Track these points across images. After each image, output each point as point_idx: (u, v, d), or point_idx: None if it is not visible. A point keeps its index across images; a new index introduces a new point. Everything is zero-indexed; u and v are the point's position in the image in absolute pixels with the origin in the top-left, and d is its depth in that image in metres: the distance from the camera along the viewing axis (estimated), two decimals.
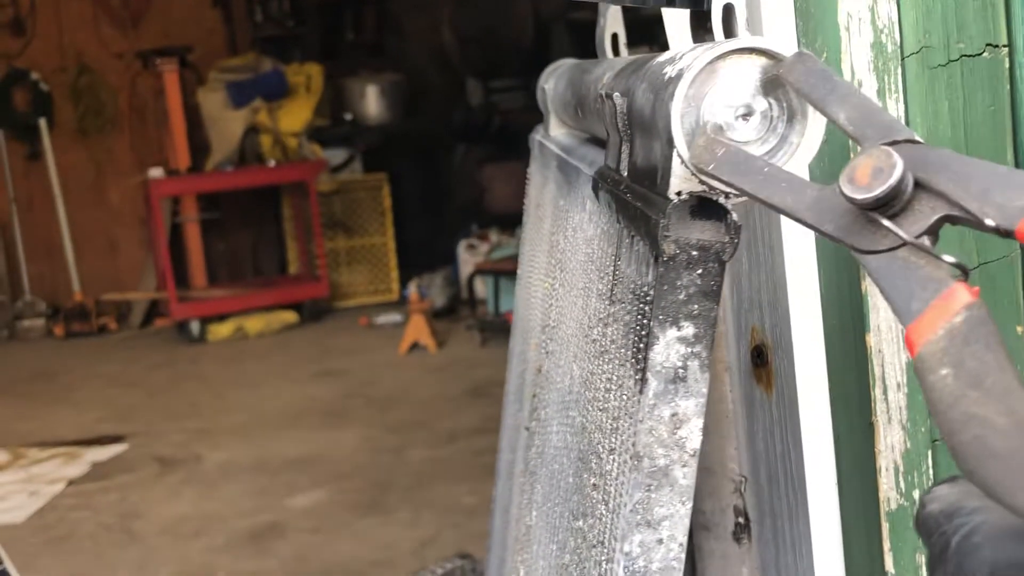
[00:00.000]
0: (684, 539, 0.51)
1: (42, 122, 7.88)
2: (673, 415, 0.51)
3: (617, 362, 0.57)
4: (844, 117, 0.48)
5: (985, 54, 0.79)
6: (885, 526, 0.77)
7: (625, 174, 0.61)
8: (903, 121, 0.78)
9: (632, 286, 0.56)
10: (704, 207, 0.51)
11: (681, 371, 0.51)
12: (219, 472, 4.73)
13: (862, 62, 0.78)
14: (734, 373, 0.85)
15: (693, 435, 0.51)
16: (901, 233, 0.46)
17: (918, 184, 0.46)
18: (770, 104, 0.51)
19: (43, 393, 6.35)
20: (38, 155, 7.97)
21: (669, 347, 0.51)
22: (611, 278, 0.61)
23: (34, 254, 8.03)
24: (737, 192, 0.49)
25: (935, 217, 0.46)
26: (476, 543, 3.70)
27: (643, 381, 0.51)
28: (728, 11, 0.61)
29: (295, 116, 7.60)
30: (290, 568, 3.73)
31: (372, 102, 8.07)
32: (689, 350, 0.51)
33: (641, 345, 0.53)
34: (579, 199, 0.76)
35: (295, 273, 8.04)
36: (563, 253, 0.81)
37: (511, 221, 7.64)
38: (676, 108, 0.50)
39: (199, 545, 3.99)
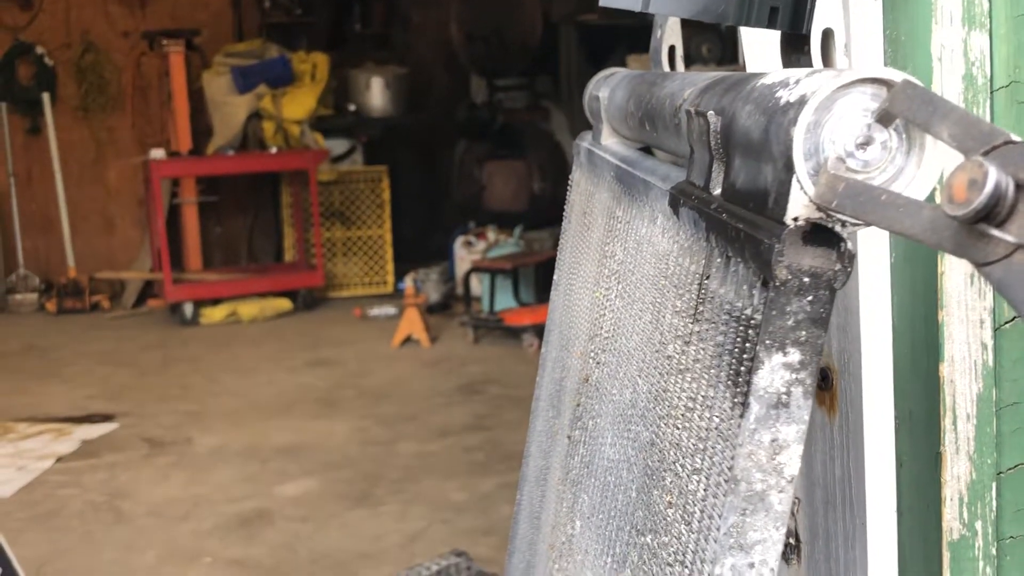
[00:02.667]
0: (776, 564, 0.52)
1: (45, 97, 7.85)
2: (773, 440, 0.51)
3: (705, 382, 0.58)
4: (948, 134, 0.48)
5: None
6: (946, 555, 0.78)
7: (717, 193, 0.61)
8: None
9: (727, 307, 0.56)
10: (818, 233, 0.52)
11: (784, 397, 0.51)
12: (209, 456, 4.73)
13: (953, 94, 0.79)
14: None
15: (792, 461, 0.51)
16: (1010, 238, 0.45)
17: (1020, 186, 0.45)
18: (889, 134, 0.52)
19: (34, 368, 6.33)
20: (39, 130, 7.94)
21: (774, 372, 0.51)
22: (695, 296, 0.61)
23: (30, 228, 8.01)
24: (857, 222, 0.49)
25: None
26: (465, 539, 3.70)
27: (745, 405, 0.51)
28: (827, 35, 0.61)
29: (299, 104, 7.59)
30: (278, 556, 3.72)
31: (376, 94, 8.07)
32: (794, 376, 0.51)
33: (742, 368, 0.53)
34: (646, 212, 0.76)
35: (291, 261, 8.03)
36: (621, 265, 0.81)
37: (509, 220, 7.65)
38: (799, 136, 0.50)
39: (187, 528, 3.99)
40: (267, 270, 7.85)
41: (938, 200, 0.46)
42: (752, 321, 0.53)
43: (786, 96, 0.53)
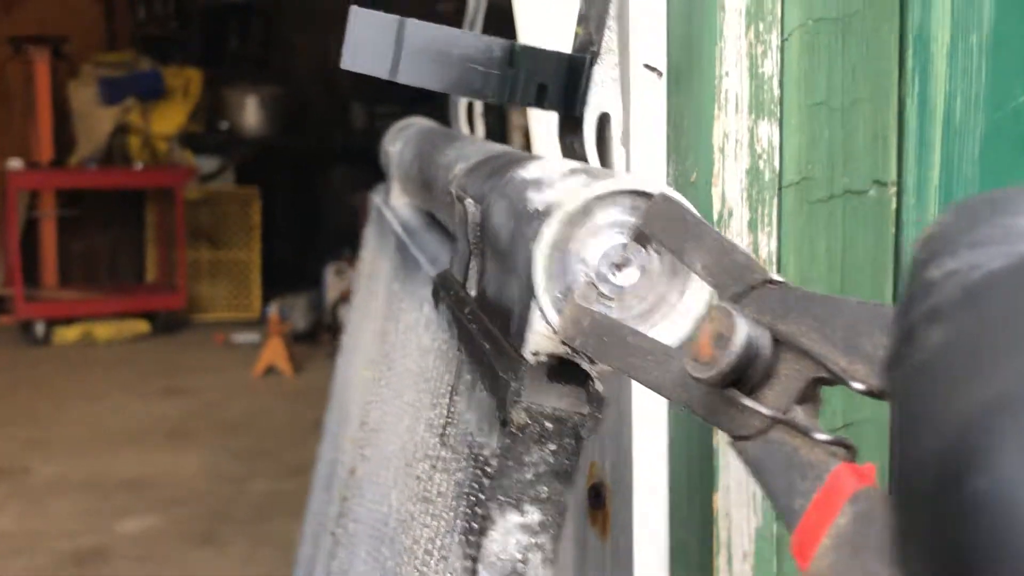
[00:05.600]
0: None
1: None
2: None
3: (444, 524, 0.48)
4: (701, 265, 0.40)
5: (871, 191, 0.71)
6: None
7: (472, 293, 0.52)
8: (775, 260, 0.70)
9: (468, 439, 0.47)
10: (565, 368, 0.43)
11: (520, 565, 0.42)
12: (48, 487, 4.49)
13: (735, 189, 0.70)
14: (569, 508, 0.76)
15: None
16: (764, 411, 0.37)
17: (779, 340, 0.37)
18: (649, 255, 0.43)
19: None
20: None
21: (508, 535, 0.42)
22: (445, 414, 0.52)
23: None
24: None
25: (803, 382, 0.37)
26: None
27: (474, 573, 0.42)
28: (603, 120, 0.53)
29: (169, 119, 7.36)
30: None
31: (251, 113, 7.88)
32: (532, 540, 0.42)
33: (474, 524, 0.44)
34: (416, 296, 0.67)
35: (152, 281, 7.76)
36: (392, 348, 0.72)
37: None
38: (540, 261, 0.41)
39: (17, 565, 3.76)
40: (127, 290, 7.57)
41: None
42: (487, 467, 0.44)
43: (535, 200, 0.44)
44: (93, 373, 6.30)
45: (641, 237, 0.43)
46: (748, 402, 0.37)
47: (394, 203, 0.90)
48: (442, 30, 0.52)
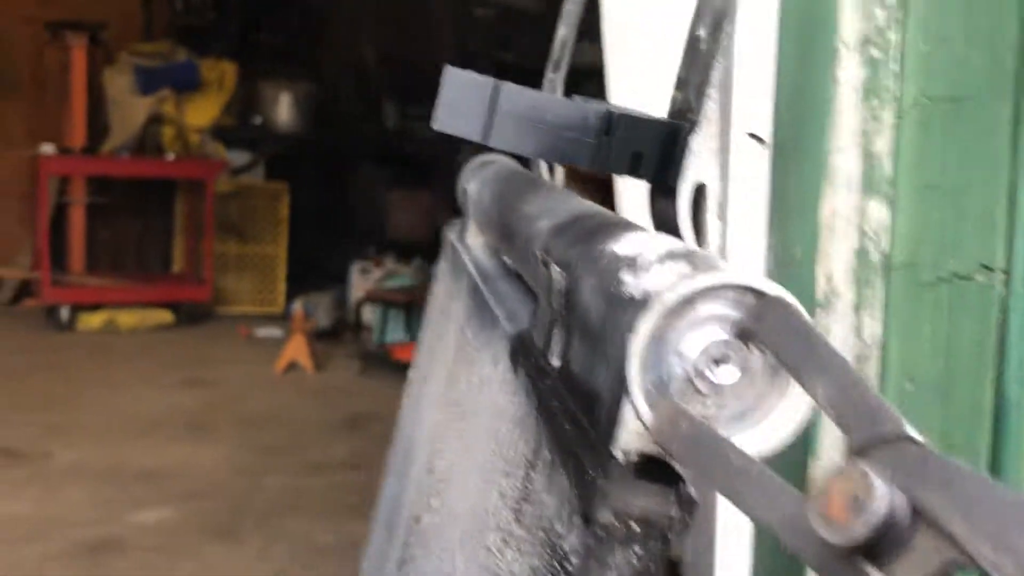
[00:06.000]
0: None
1: None
2: None
3: None
4: (822, 394, 0.37)
5: (978, 276, 0.69)
6: None
7: (555, 364, 0.51)
8: (878, 344, 0.68)
9: (546, 524, 0.45)
10: (653, 467, 0.41)
11: None
12: (66, 474, 4.49)
13: (841, 269, 0.68)
14: None
15: None
16: None
17: (916, 511, 0.34)
18: (750, 352, 0.41)
19: None
20: None
21: None
22: (520, 489, 0.51)
23: None
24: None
25: (940, 564, 0.34)
26: None
27: None
28: (699, 191, 0.51)
29: (203, 112, 7.38)
30: None
31: (284, 109, 7.89)
32: None
33: None
34: (491, 349, 0.66)
35: (179, 272, 7.77)
36: (463, 397, 0.71)
37: (409, 250, 7.51)
38: (636, 357, 0.39)
39: (33, 550, 3.76)
40: (153, 279, 7.58)
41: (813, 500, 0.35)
42: (567, 563, 0.42)
43: (630, 285, 0.42)
44: (115, 361, 6.32)
45: (746, 335, 0.41)
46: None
47: (470, 242, 0.88)
48: (536, 96, 0.50)
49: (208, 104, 7.40)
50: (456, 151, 8.22)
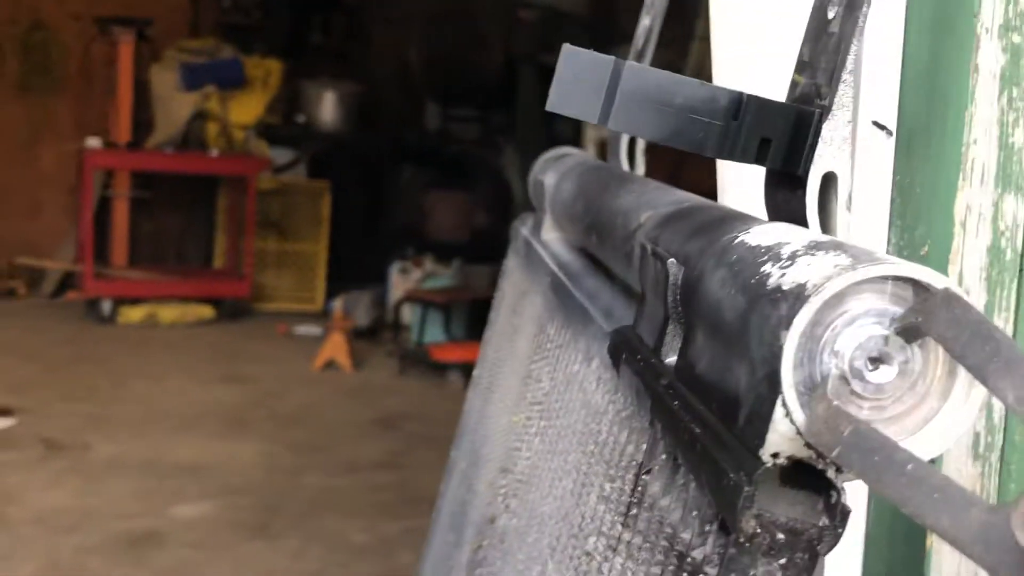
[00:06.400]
0: None
1: None
2: None
3: None
4: (1014, 397, 0.34)
5: None
6: None
7: (670, 362, 0.48)
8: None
9: (668, 530, 0.43)
10: (803, 472, 0.39)
11: None
12: (106, 466, 4.51)
13: (974, 267, 0.64)
14: None
15: None
16: None
17: None
18: (911, 353, 0.39)
19: None
20: None
21: None
22: (630, 492, 0.48)
23: None
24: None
25: None
26: None
27: None
28: (828, 180, 0.49)
29: (247, 109, 7.40)
30: None
31: (328, 108, 7.90)
32: None
33: None
34: (582, 346, 0.63)
35: (219, 267, 7.80)
36: (546, 396, 0.68)
37: (448, 251, 7.50)
38: (791, 346, 0.37)
39: (72, 542, 3.78)
40: (193, 274, 7.62)
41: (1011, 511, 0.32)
42: (701, 574, 0.40)
43: (776, 277, 0.40)
44: (155, 354, 6.34)
45: (909, 333, 0.38)
46: None
47: (545, 237, 0.85)
48: (663, 75, 0.48)
49: (253, 101, 7.42)
50: (498, 153, 8.21)
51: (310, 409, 5.54)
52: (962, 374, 0.39)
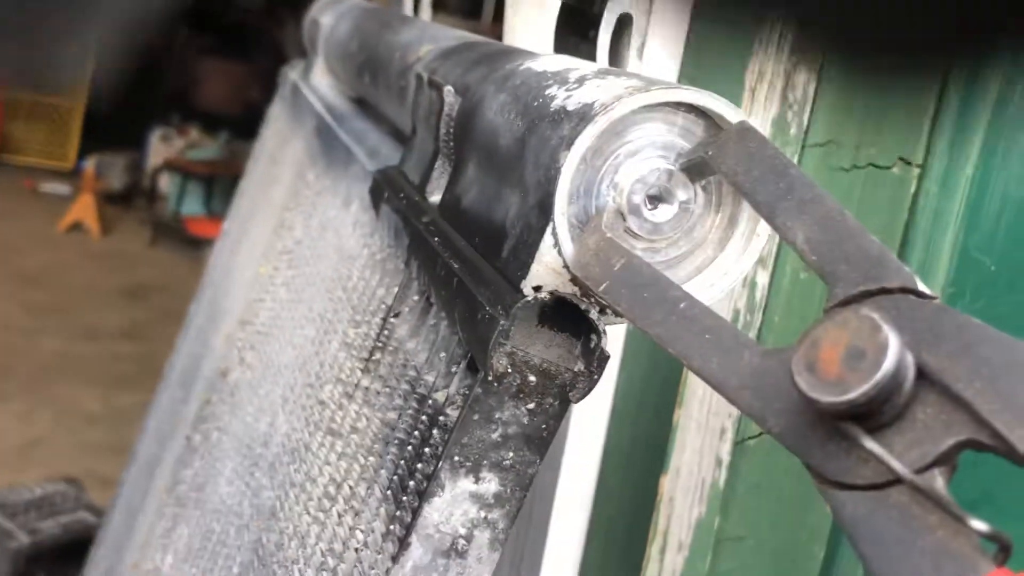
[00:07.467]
0: None
1: None
2: None
3: (357, 471, 0.40)
4: (803, 237, 0.31)
5: (895, 169, 0.65)
6: None
7: (434, 200, 0.43)
8: None
9: (411, 374, 0.38)
10: (562, 312, 0.35)
11: (462, 543, 0.34)
12: None
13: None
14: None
15: None
16: (896, 465, 0.28)
17: (923, 374, 0.28)
18: (694, 192, 0.35)
19: None
20: None
21: (455, 504, 0.33)
22: (375, 336, 0.43)
23: None
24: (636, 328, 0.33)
25: (952, 440, 0.28)
26: (90, 454, 3.41)
27: (403, 542, 0.34)
28: (623, 23, 0.44)
29: None
30: None
31: None
32: (483, 515, 0.34)
33: (410, 482, 0.36)
34: (341, 189, 0.57)
35: None
36: (298, 245, 0.63)
37: (217, 123, 7.20)
38: (569, 168, 0.32)
39: None
40: None
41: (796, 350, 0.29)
42: (441, 416, 0.36)
43: (561, 99, 0.35)
44: None
45: (698, 169, 0.35)
46: (873, 447, 0.28)
47: (316, 82, 0.78)
48: None
49: None
50: (280, 25, 7.90)
51: (52, 270, 5.26)
52: (742, 226, 0.36)
